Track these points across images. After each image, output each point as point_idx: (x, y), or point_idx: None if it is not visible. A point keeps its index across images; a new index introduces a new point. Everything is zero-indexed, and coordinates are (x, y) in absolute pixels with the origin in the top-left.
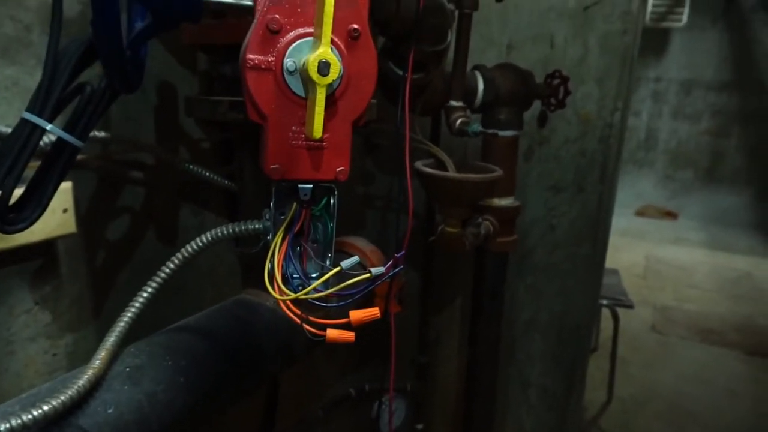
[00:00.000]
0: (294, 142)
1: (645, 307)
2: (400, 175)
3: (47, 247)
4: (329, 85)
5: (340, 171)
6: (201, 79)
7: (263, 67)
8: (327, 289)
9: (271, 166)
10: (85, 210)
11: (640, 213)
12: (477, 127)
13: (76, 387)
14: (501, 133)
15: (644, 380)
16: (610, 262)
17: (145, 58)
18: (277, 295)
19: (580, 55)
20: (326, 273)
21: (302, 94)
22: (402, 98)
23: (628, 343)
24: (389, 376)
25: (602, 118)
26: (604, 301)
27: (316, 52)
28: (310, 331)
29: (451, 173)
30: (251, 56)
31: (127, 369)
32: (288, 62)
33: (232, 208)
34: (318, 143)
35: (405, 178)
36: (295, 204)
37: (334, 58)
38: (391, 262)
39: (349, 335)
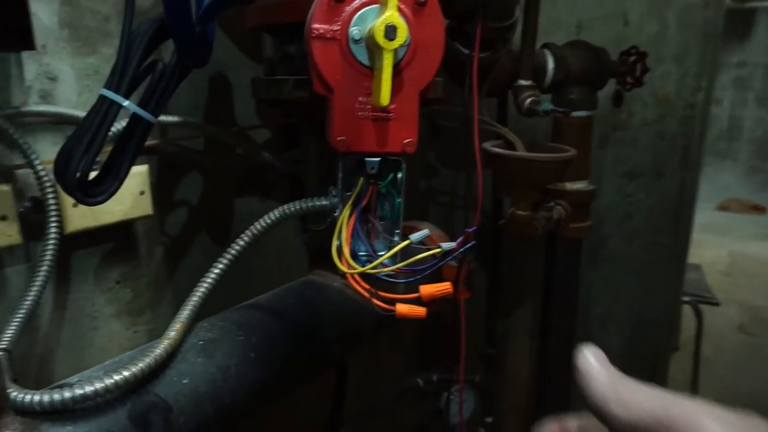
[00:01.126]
0: (360, 113)
1: (730, 306)
2: (469, 155)
3: (126, 228)
4: (396, 53)
5: (407, 143)
6: (265, 63)
7: (328, 36)
8: (395, 263)
9: (338, 138)
10: (161, 193)
11: (722, 207)
12: (548, 105)
13: (153, 356)
14: (573, 113)
15: (731, 383)
16: (691, 259)
17: (213, 35)
18: (345, 269)
19: (657, 31)
20: (399, 245)
21: (368, 64)
22: (470, 77)
23: (712, 343)
24: (458, 366)
25: (683, 99)
26: (686, 298)
27: (382, 16)
28: (379, 306)
29: (524, 153)
30: (316, 26)
31: (201, 342)
32: (353, 31)
33: (297, 194)
34: (385, 114)
35: (474, 158)
36: (361, 179)
37: (401, 21)
38: (461, 239)
39: (420, 311)
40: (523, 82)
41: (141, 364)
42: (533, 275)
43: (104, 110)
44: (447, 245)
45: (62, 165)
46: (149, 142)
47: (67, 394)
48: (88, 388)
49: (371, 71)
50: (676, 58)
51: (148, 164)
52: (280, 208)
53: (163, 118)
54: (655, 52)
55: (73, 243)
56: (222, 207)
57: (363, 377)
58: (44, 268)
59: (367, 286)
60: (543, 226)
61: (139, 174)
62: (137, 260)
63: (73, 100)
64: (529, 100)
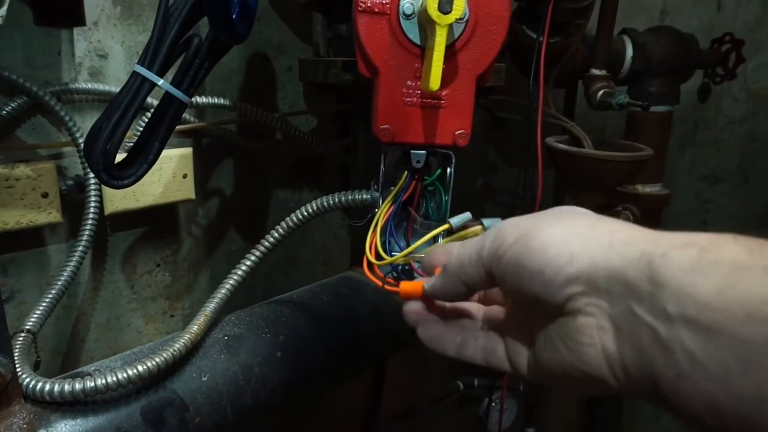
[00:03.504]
0: (408, 99)
1: None
2: (529, 151)
3: (168, 211)
4: (451, 29)
5: (459, 134)
6: (314, 44)
7: (376, 10)
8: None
9: (381, 127)
10: (202, 177)
11: None
12: (624, 98)
13: (171, 351)
14: (652, 107)
15: None
16: None
17: (255, 8)
18: (372, 259)
19: (755, 17)
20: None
21: (419, 42)
22: (536, 64)
23: None
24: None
25: None
26: None
27: None
28: (389, 290)
29: (591, 150)
30: None
31: (226, 337)
32: (405, 4)
33: (347, 184)
34: (435, 101)
35: (535, 154)
36: (405, 173)
37: None
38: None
39: (417, 286)
40: (596, 72)
41: (158, 359)
42: None
43: (135, 88)
44: (489, 221)
45: (89, 144)
46: (194, 125)
47: (78, 386)
48: (100, 381)
49: (422, 51)
50: None
51: (192, 147)
52: (318, 201)
53: (209, 99)
54: (752, 42)
55: (114, 224)
56: (268, 194)
57: (403, 377)
58: (79, 248)
59: (381, 275)
60: None
61: (182, 157)
62: (178, 244)
63: (122, 77)
64: (602, 92)
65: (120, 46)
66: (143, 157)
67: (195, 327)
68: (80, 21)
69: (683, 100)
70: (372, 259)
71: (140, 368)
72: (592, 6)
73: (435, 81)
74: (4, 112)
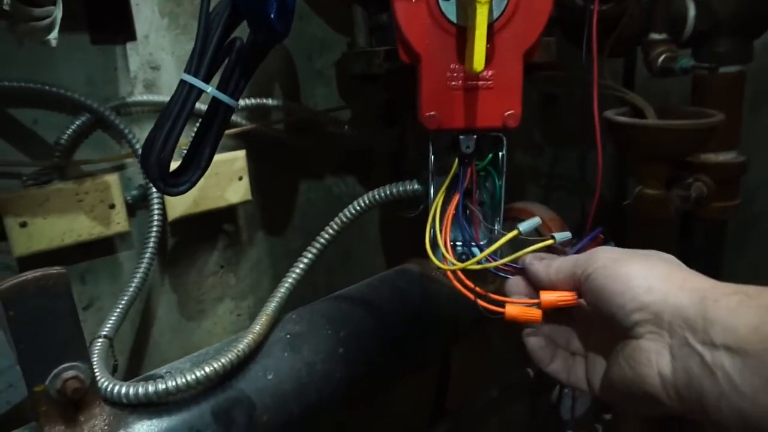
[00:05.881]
0: (452, 83)
1: None
2: (587, 126)
3: (229, 213)
4: (491, 6)
5: (509, 115)
6: (355, 37)
7: None
8: (500, 257)
9: (427, 114)
10: (257, 178)
11: None
12: (688, 61)
13: (236, 351)
14: (721, 68)
15: None
16: None
17: (294, 4)
18: (441, 265)
19: None
20: (498, 238)
21: (460, 23)
22: (588, 34)
23: None
24: None
25: None
26: None
27: None
28: (485, 308)
29: (652, 120)
30: None
31: (288, 336)
32: None
33: (399, 174)
34: (482, 82)
35: (593, 129)
36: (456, 160)
37: None
38: (589, 235)
39: (535, 314)
40: (655, 36)
41: (223, 360)
42: None
43: (183, 96)
44: (561, 236)
45: (145, 155)
46: (245, 127)
47: (152, 389)
48: (171, 383)
49: (464, 32)
50: None
51: (245, 149)
52: (368, 195)
53: (257, 101)
54: None
55: (178, 229)
56: (322, 190)
57: (471, 364)
58: (147, 256)
59: (472, 285)
60: (678, 207)
61: (237, 159)
62: (240, 245)
63: (174, 87)
64: (662, 57)
65: (170, 56)
66: (196, 164)
67: (258, 327)
68: (132, 36)
69: (761, 56)
70: (445, 264)
71: (207, 369)
72: None
73: (479, 62)
74: (69, 130)
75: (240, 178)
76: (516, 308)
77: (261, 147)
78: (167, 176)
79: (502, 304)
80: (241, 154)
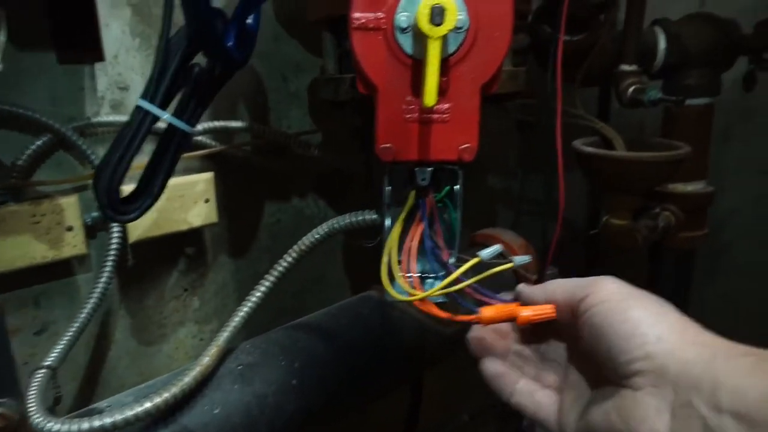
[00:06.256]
0: (408, 115)
1: None
2: (551, 154)
3: (194, 235)
4: (446, 40)
5: (464, 149)
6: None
7: (371, 26)
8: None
9: (382, 146)
10: (226, 200)
11: None
12: (656, 93)
13: (180, 385)
14: (688, 101)
15: None
16: None
17: (256, 31)
18: (399, 296)
19: None
20: (457, 268)
21: (417, 56)
22: (553, 63)
23: None
24: None
25: None
26: None
27: None
28: (463, 321)
29: (617, 152)
30: (357, 15)
31: (239, 367)
32: (400, 17)
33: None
34: (437, 115)
35: (555, 158)
36: (412, 192)
37: (450, 1)
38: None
39: (513, 310)
40: (625, 68)
41: (166, 394)
42: None
43: (138, 122)
44: (520, 259)
45: (95, 181)
46: (214, 149)
47: (86, 425)
48: (108, 420)
49: (420, 65)
50: None
51: (213, 171)
52: (328, 223)
53: (226, 123)
54: None
55: (139, 251)
56: (293, 213)
57: (442, 388)
58: (103, 279)
59: (441, 313)
60: (646, 237)
61: (204, 181)
62: (204, 268)
63: None
64: (632, 88)
65: (140, 77)
66: (149, 191)
67: (206, 359)
68: (99, 56)
69: (732, 89)
70: (410, 291)
71: (149, 405)
72: (615, 1)
73: (431, 96)
74: (29, 150)
75: (206, 201)
76: (492, 309)
77: (230, 169)
78: (116, 203)
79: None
80: (208, 176)
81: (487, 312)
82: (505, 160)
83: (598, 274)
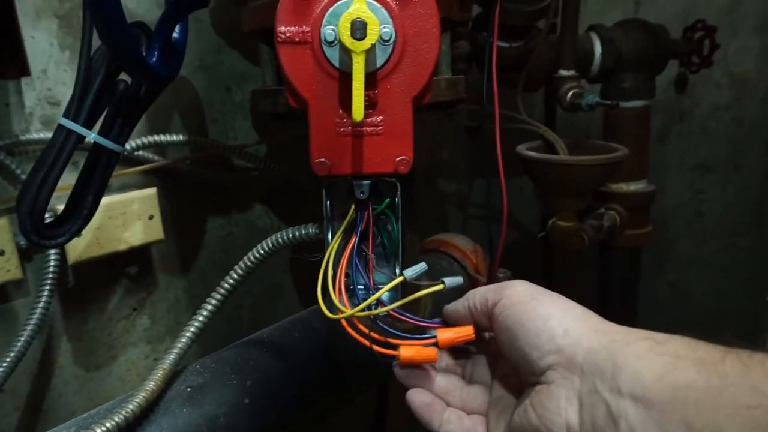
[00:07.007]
0: (341, 129)
1: None
2: (489, 161)
3: (140, 253)
4: (371, 54)
5: (400, 161)
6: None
7: (297, 40)
8: (392, 302)
9: (316, 160)
10: (173, 215)
11: None
12: (592, 98)
13: (123, 413)
14: (625, 104)
15: None
16: None
17: (183, 45)
18: (328, 313)
19: (732, 0)
20: (374, 292)
21: (345, 70)
22: (488, 69)
23: None
24: None
25: (767, 77)
26: None
27: (348, 10)
28: (380, 353)
29: (557, 156)
30: (282, 29)
31: (188, 389)
32: (326, 31)
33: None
34: (370, 128)
35: (496, 164)
36: (353, 206)
37: (371, 15)
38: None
39: (430, 354)
40: (563, 73)
41: (108, 424)
42: (586, 287)
43: (61, 142)
44: (451, 281)
45: (18, 205)
46: (156, 164)
47: None
48: None
49: (348, 79)
50: (758, 31)
51: (156, 187)
52: (272, 238)
53: (165, 137)
54: (730, 25)
55: (80, 272)
56: (245, 226)
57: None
58: (40, 304)
59: (366, 331)
60: (592, 238)
61: (146, 198)
62: (153, 285)
63: None
64: (571, 93)
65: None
66: (78, 213)
67: (151, 383)
68: (25, 71)
69: (666, 91)
70: (341, 308)
71: None
72: (551, 7)
73: (358, 111)
74: None
75: (150, 217)
76: (410, 349)
77: (175, 183)
78: (41, 227)
79: (397, 348)
80: (151, 191)
81: (405, 353)
82: (455, 165)
83: (553, 275)
